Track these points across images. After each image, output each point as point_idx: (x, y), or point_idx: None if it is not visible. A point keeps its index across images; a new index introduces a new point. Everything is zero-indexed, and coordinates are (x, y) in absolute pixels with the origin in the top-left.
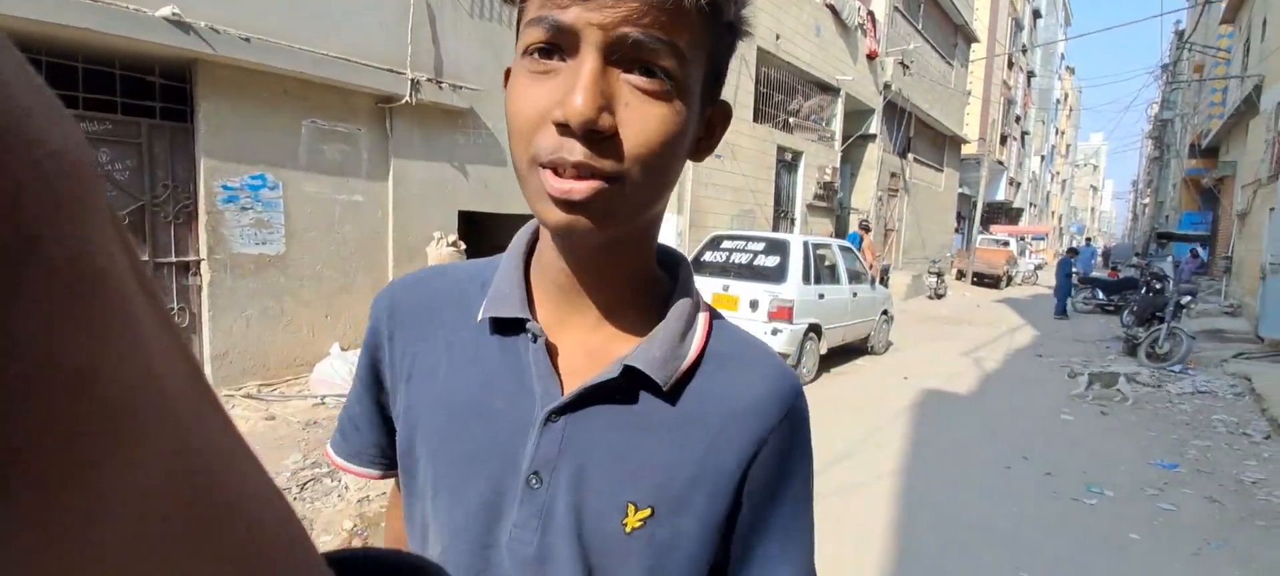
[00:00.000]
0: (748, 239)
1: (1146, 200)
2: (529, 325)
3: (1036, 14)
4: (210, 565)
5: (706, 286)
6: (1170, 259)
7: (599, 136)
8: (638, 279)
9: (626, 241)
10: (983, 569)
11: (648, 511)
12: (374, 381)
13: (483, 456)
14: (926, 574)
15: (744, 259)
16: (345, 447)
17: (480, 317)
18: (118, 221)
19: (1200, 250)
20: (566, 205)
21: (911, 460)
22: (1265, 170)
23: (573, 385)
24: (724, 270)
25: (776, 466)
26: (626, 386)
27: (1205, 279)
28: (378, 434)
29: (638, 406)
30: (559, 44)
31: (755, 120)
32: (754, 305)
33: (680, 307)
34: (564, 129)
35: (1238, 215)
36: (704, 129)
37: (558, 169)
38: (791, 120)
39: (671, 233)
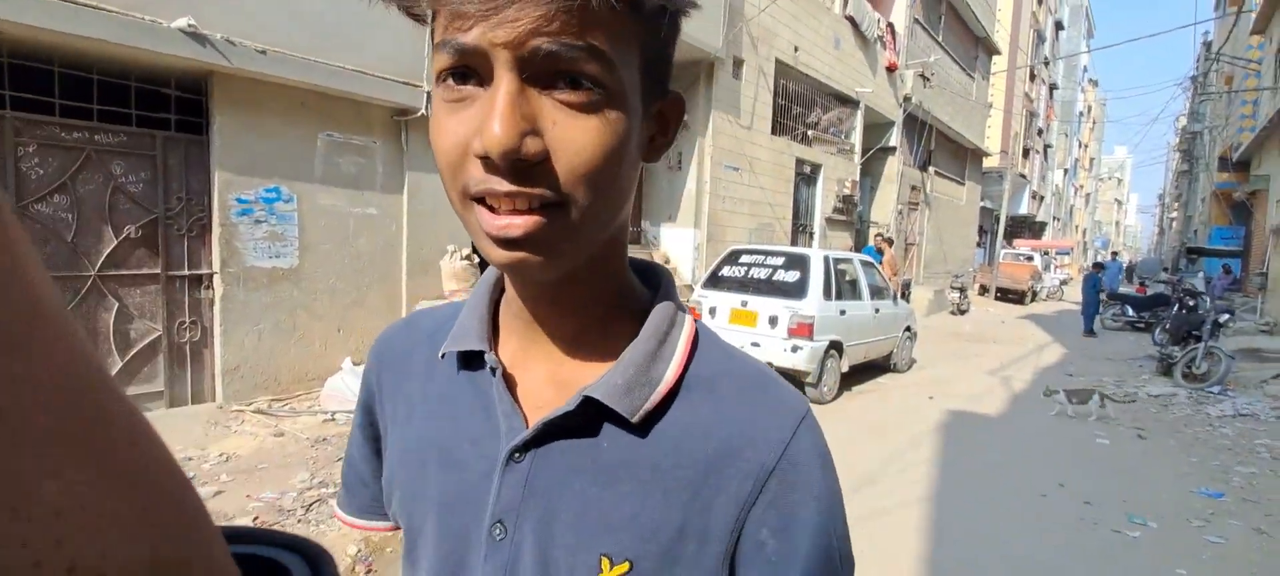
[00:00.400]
0: (767, 253)
1: (1174, 214)
2: (486, 357)
3: (1059, 26)
4: (104, 477)
5: (724, 301)
6: (1201, 275)
7: (527, 164)
8: (607, 300)
9: (588, 265)
10: None
11: (625, 566)
12: (371, 430)
13: (449, 505)
14: None
15: (763, 274)
16: (352, 503)
17: (441, 353)
18: None
19: (1232, 266)
20: (507, 243)
21: (940, 485)
22: None
23: (538, 420)
24: (743, 285)
25: (788, 511)
26: (589, 420)
27: (1238, 296)
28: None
29: (605, 444)
30: (472, 66)
31: (774, 132)
32: (773, 321)
33: (653, 323)
34: (488, 161)
35: (1273, 231)
36: (656, 125)
37: (491, 202)
38: (810, 133)
39: (689, 246)
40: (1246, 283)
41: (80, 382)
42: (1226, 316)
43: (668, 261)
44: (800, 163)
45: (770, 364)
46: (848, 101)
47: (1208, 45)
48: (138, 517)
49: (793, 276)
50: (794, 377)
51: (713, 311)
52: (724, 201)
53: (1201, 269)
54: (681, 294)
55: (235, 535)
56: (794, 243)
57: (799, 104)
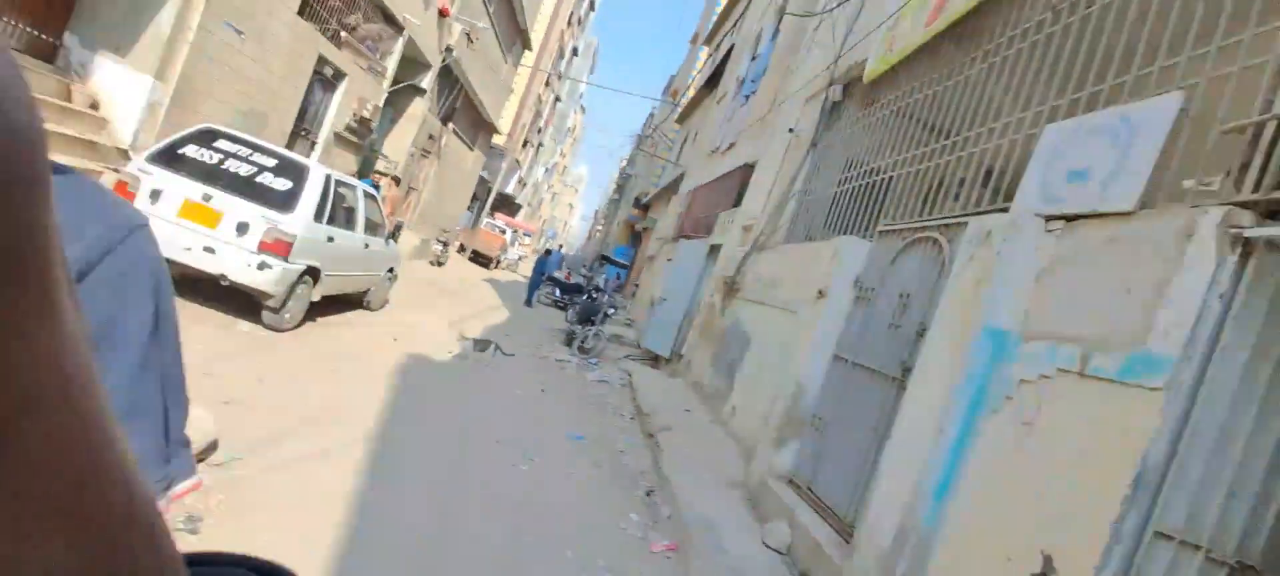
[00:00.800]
0: (256, 148)
1: (600, 227)
2: None
3: (575, 51)
4: (77, 548)
5: (179, 188)
6: (604, 276)
7: None
8: None
9: None
10: (434, 524)
11: None
12: None
13: None
14: (390, 535)
15: (245, 170)
16: None
17: None
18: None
19: (622, 275)
20: None
21: (386, 424)
22: (671, 232)
23: None
24: (211, 175)
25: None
26: None
27: (620, 297)
28: None
29: None
30: None
31: (301, 13)
32: (243, 228)
33: None
34: None
35: (649, 257)
36: None
37: None
38: (344, 34)
39: (141, 98)
40: (626, 288)
41: (82, 452)
42: (613, 310)
43: (96, 107)
44: (323, 61)
45: (225, 277)
46: (394, 23)
47: (652, 116)
48: None
49: (283, 184)
50: (254, 296)
51: (156, 194)
52: (212, 64)
53: (605, 272)
54: (111, 157)
55: (197, 560)
56: (290, 147)
57: None
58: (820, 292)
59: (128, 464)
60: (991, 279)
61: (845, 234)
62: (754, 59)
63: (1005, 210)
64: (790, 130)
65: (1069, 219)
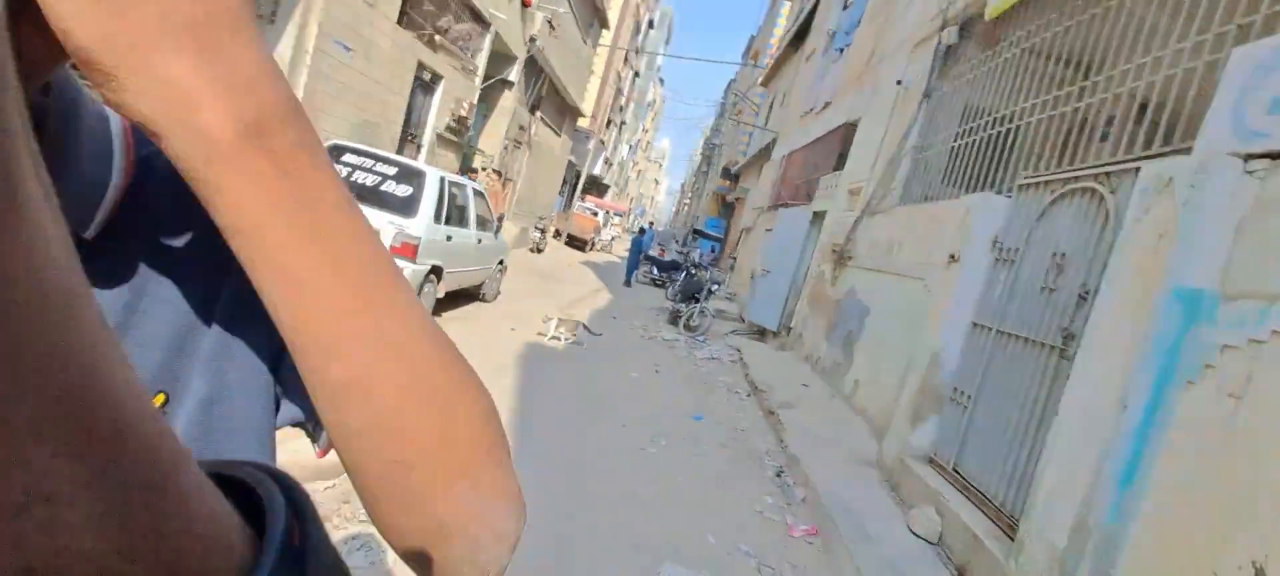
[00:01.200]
0: (377, 159)
1: (688, 200)
2: None
3: (651, 24)
4: (76, 462)
5: None
6: (698, 250)
7: None
8: None
9: None
10: (575, 509)
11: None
12: None
13: None
14: (538, 521)
15: (370, 181)
16: None
17: None
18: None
19: (716, 248)
20: None
21: (517, 411)
22: (767, 201)
23: None
24: None
25: None
26: None
27: (717, 270)
28: None
29: None
30: None
31: (400, 23)
32: None
33: None
34: None
35: (744, 229)
36: None
37: None
38: (438, 38)
39: None
40: (721, 261)
41: (63, 369)
42: (717, 286)
43: None
44: (422, 67)
45: None
46: (481, 20)
47: (734, 82)
48: (108, 500)
49: (404, 191)
50: None
51: None
52: (327, 83)
53: (698, 246)
54: None
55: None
56: (400, 152)
57: (432, 1)
58: (952, 256)
59: (120, 378)
60: (1177, 232)
61: (970, 191)
62: (846, 7)
63: (1186, 151)
64: (898, 82)
65: (1277, 156)
